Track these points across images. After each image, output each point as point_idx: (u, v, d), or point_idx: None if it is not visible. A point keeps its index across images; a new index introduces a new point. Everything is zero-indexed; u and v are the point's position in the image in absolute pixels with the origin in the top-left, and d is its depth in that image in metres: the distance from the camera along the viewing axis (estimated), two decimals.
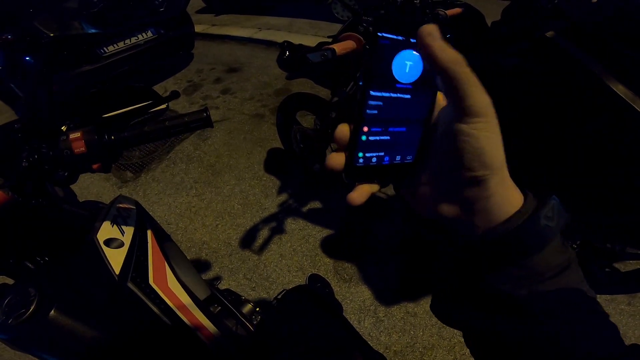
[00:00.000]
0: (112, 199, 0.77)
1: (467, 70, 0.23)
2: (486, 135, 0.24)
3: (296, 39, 2.28)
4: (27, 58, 2.89)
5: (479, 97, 0.23)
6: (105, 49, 3.19)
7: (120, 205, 0.77)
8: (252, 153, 2.64)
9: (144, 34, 3.44)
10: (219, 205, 2.26)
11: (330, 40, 1.43)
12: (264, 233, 2.05)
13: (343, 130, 0.27)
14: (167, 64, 4.02)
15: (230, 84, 3.62)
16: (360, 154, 0.28)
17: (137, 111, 0.61)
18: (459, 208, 0.27)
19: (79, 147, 0.50)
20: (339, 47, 1.24)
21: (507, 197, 0.26)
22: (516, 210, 0.25)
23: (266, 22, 5.04)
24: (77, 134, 0.51)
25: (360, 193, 0.29)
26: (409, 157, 0.30)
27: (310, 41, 3.97)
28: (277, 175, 2.42)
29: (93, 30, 3.04)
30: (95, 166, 0.56)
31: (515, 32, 1.38)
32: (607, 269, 1.55)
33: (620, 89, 1.01)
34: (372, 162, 0.29)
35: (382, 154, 0.29)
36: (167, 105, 0.63)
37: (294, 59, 1.56)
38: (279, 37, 4.40)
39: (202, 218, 2.19)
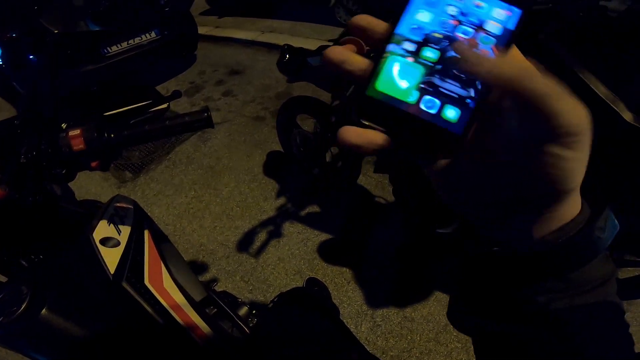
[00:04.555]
0: (109, 198, 0.77)
1: (543, 82, 0.17)
2: (578, 156, 0.19)
3: (298, 43, 2.29)
4: (31, 56, 2.89)
5: (572, 112, 0.17)
6: (108, 48, 3.18)
7: (118, 204, 0.76)
8: (251, 155, 2.64)
9: (147, 35, 3.43)
10: (217, 207, 2.26)
11: (331, 44, 1.44)
12: (262, 236, 2.05)
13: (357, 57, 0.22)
14: (169, 65, 4.03)
15: (232, 86, 3.63)
16: (384, 78, 0.20)
17: (138, 110, 0.61)
18: (506, 215, 0.23)
19: (78, 145, 0.50)
20: None
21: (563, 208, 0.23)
22: (569, 219, 0.23)
23: (269, 25, 5.07)
24: (77, 131, 0.51)
25: (358, 133, 0.21)
26: (455, 126, 0.20)
27: (313, 45, 3.98)
28: (276, 178, 2.42)
29: (97, 29, 3.04)
30: (93, 164, 0.56)
31: None
32: None
33: (602, 91, 1.02)
34: (398, 105, 0.20)
35: (418, 95, 0.20)
36: (168, 105, 0.63)
37: (294, 63, 1.56)
38: (281, 40, 4.42)
39: (200, 219, 2.18)
